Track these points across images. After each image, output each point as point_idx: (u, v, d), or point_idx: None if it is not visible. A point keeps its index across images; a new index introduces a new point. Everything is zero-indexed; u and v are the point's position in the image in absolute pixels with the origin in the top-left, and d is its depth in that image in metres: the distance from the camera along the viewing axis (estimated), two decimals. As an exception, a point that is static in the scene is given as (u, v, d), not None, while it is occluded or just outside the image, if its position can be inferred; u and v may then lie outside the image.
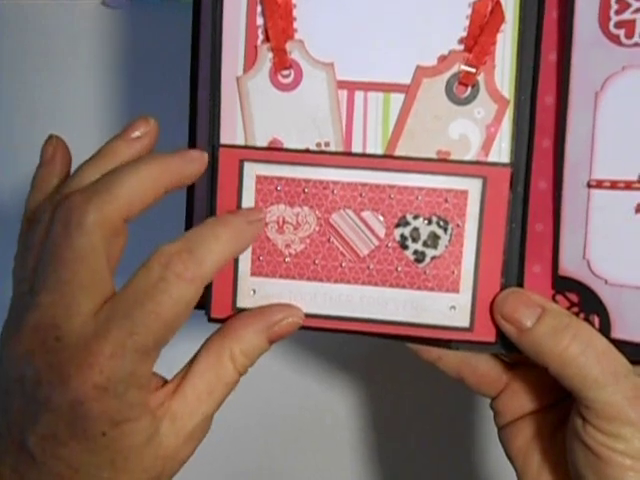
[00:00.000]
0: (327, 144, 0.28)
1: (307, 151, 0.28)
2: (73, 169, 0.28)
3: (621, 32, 0.25)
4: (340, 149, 0.28)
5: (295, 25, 0.28)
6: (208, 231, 0.26)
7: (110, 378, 0.23)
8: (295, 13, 0.28)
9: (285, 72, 0.28)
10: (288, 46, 0.28)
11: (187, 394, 0.26)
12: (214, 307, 0.29)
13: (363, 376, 0.50)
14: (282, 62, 0.28)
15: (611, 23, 0.25)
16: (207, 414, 0.27)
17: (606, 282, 0.26)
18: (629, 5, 0.25)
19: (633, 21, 0.25)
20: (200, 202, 0.31)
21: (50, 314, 0.24)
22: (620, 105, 0.26)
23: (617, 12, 0.26)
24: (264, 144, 0.28)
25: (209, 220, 0.27)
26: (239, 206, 0.28)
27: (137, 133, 0.27)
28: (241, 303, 0.29)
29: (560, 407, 0.30)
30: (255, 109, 0.28)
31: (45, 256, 0.25)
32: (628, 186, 0.25)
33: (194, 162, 0.27)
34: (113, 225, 0.24)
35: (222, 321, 0.29)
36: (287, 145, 0.28)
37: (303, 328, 0.29)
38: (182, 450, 0.26)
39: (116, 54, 0.53)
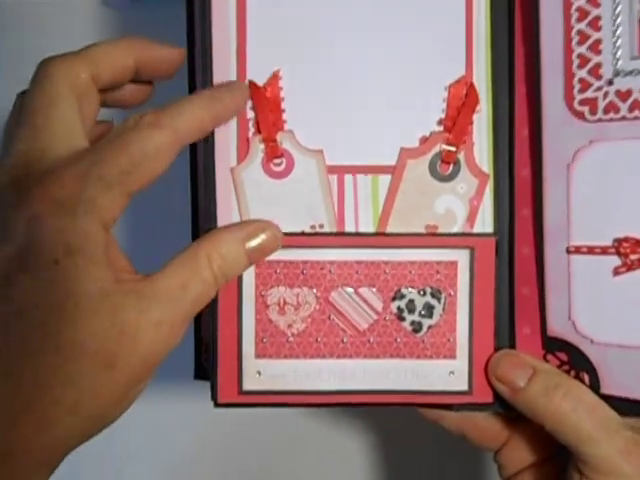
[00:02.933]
0: (321, 226, 0.30)
1: (302, 234, 0.29)
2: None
3: (585, 109, 0.28)
4: (334, 230, 0.30)
5: (284, 117, 0.29)
6: (183, 98, 0.27)
7: (70, 197, 0.23)
8: (283, 105, 0.29)
9: (277, 161, 0.29)
10: (279, 137, 0.29)
11: (157, 281, 0.25)
12: (220, 392, 0.30)
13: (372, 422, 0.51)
14: (274, 152, 0.29)
15: (575, 101, 0.28)
16: (180, 311, 0.25)
17: (592, 341, 0.28)
18: (590, 84, 0.28)
19: (596, 99, 0.27)
20: (204, 213, 0.31)
21: (25, 158, 0.25)
22: (591, 176, 0.28)
23: (580, 91, 0.28)
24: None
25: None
26: (240, 290, 0.29)
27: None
28: (247, 386, 0.30)
29: (560, 458, 0.31)
30: (250, 197, 0.29)
31: (22, 108, 0.26)
32: (604, 251, 0.27)
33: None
34: (79, 79, 0.26)
35: (229, 406, 0.30)
36: (283, 230, 0.29)
37: (311, 405, 0.30)
38: (144, 335, 0.24)
39: None
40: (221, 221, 0.29)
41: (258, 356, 0.30)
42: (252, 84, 0.29)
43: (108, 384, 0.24)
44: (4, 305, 0.23)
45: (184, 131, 0.26)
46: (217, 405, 0.30)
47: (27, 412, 0.23)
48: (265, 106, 0.29)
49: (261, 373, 0.30)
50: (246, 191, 0.29)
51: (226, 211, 0.29)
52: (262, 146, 0.29)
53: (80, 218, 0.24)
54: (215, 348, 0.29)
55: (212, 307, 0.29)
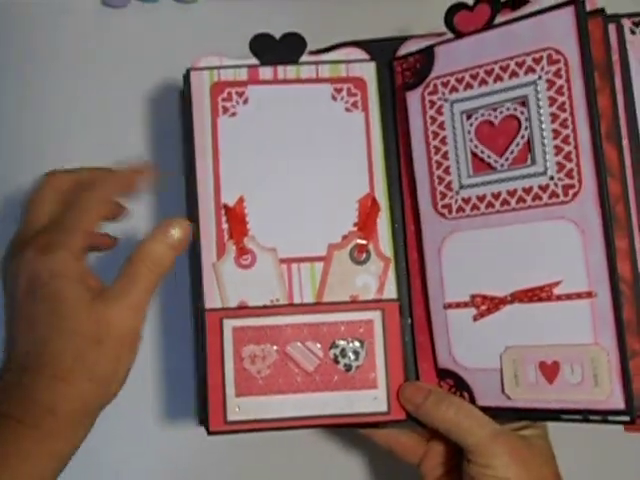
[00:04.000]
0: (277, 300, 0.43)
1: (265, 307, 0.42)
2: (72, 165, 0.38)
3: (445, 211, 0.41)
4: (286, 302, 0.42)
5: (248, 226, 0.43)
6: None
7: (49, 242, 0.35)
8: (247, 219, 0.43)
9: (244, 257, 0.43)
10: (245, 241, 0.43)
11: (114, 285, 0.35)
12: (211, 422, 0.41)
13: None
14: (242, 252, 0.43)
15: (439, 206, 0.41)
16: (134, 300, 0.35)
17: (466, 369, 0.40)
18: (446, 194, 0.41)
19: (450, 204, 0.41)
20: (197, 293, 0.43)
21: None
22: (453, 254, 0.41)
23: (441, 199, 0.42)
24: (235, 305, 0.42)
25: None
26: (222, 349, 0.42)
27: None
28: (230, 417, 0.42)
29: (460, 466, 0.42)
30: (227, 282, 0.42)
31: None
32: (465, 304, 0.40)
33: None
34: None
35: (219, 433, 0.41)
36: (251, 304, 0.42)
37: (277, 429, 0.42)
38: (113, 319, 0.34)
39: (116, 54, 0.53)
40: (207, 298, 0.42)
41: (237, 395, 0.42)
42: (226, 206, 0.43)
43: (102, 355, 0.34)
44: (22, 322, 0.35)
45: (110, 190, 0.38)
46: (210, 433, 0.42)
47: (58, 380, 0.33)
48: (236, 221, 0.42)
49: (240, 407, 0.42)
50: (224, 278, 0.42)
51: (210, 291, 0.42)
52: (234, 247, 0.43)
53: (59, 254, 0.35)
54: (205, 391, 0.42)
55: (203, 362, 0.42)
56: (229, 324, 0.42)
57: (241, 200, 0.43)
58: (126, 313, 0.35)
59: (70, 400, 0.34)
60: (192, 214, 0.43)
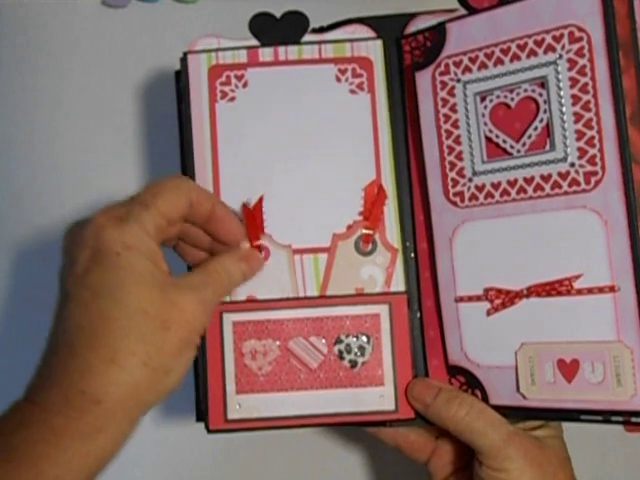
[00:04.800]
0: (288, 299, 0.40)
1: (265, 300, 0.40)
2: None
3: (457, 199, 0.39)
4: (290, 296, 0.40)
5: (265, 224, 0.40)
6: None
7: (123, 213, 0.33)
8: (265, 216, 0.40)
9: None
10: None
11: (188, 276, 0.35)
12: (211, 421, 0.40)
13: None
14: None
15: (450, 194, 0.39)
16: (207, 296, 0.35)
17: (478, 366, 0.38)
18: (458, 182, 0.39)
19: (463, 192, 0.39)
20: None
21: None
22: (465, 245, 0.39)
23: (452, 186, 0.39)
24: (244, 298, 0.40)
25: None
26: (222, 344, 0.40)
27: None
28: (231, 416, 0.40)
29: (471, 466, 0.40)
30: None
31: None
32: (479, 298, 0.38)
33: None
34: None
35: (219, 432, 0.39)
36: (259, 297, 0.40)
37: (279, 428, 0.40)
38: (187, 308, 0.33)
39: (116, 54, 0.53)
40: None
41: (238, 392, 0.40)
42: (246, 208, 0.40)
43: (167, 341, 0.32)
44: (83, 290, 0.32)
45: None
46: (209, 432, 0.40)
47: (111, 362, 0.30)
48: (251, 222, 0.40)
49: (240, 405, 0.40)
50: (223, 271, 0.40)
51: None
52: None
53: (132, 227, 0.33)
54: (205, 388, 0.40)
55: (202, 358, 0.40)
56: (229, 318, 0.40)
57: (260, 202, 0.40)
58: (198, 307, 0.34)
59: (120, 386, 0.30)
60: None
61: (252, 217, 0.40)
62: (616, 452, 0.53)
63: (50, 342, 0.32)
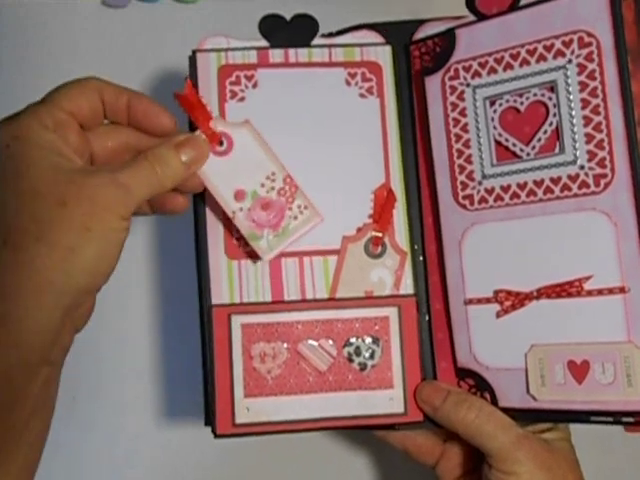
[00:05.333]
0: (273, 173, 0.38)
1: (275, 302, 0.40)
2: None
3: (466, 202, 0.39)
4: (299, 298, 0.40)
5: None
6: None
7: (19, 114, 0.32)
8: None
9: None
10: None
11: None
12: (218, 425, 0.39)
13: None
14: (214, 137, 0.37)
15: (459, 197, 0.40)
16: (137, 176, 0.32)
17: (487, 368, 0.38)
18: (468, 185, 0.39)
19: (472, 195, 0.39)
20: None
21: None
22: (475, 248, 0.39)
23: (462, 189, 0.40)
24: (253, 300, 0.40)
25: None
26: (230, 347, 0.40)
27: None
28: (239, 420, 0.39)
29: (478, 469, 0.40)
30: (208, 172, 0.37)
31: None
32: (488, 300, 0.38)
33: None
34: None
35: (227, 437, 0.39)
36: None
37: (288, 432, 0.39)
38: (90, 184, 0.31)
39: (116, 54, 0.53)
40: (214, 293, 0.40)
41: (246, 396, 0.39)
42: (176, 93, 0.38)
43: (65, 217, 0.30)
44: None
45: None
46: (216, 436, 0.39)
47: (4, 244, 0.30)
48: (196, 112, 0.40)
49: (249, 409, 0.39)
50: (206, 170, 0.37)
51: (217, 286, 0.40)
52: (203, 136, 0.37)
53: (23, 119, 0.32)
54: (213, 392, 0.39)
55: (210, 360, 0.39)
56: (237, 320, 0.40)
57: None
58: (109, 185, 0.31)
59: (19, 267, 0.30)
60: (198, 210, 0.40)
61: (188, 102, 0.37)
62: (616, 452, 0.53)
63: None
